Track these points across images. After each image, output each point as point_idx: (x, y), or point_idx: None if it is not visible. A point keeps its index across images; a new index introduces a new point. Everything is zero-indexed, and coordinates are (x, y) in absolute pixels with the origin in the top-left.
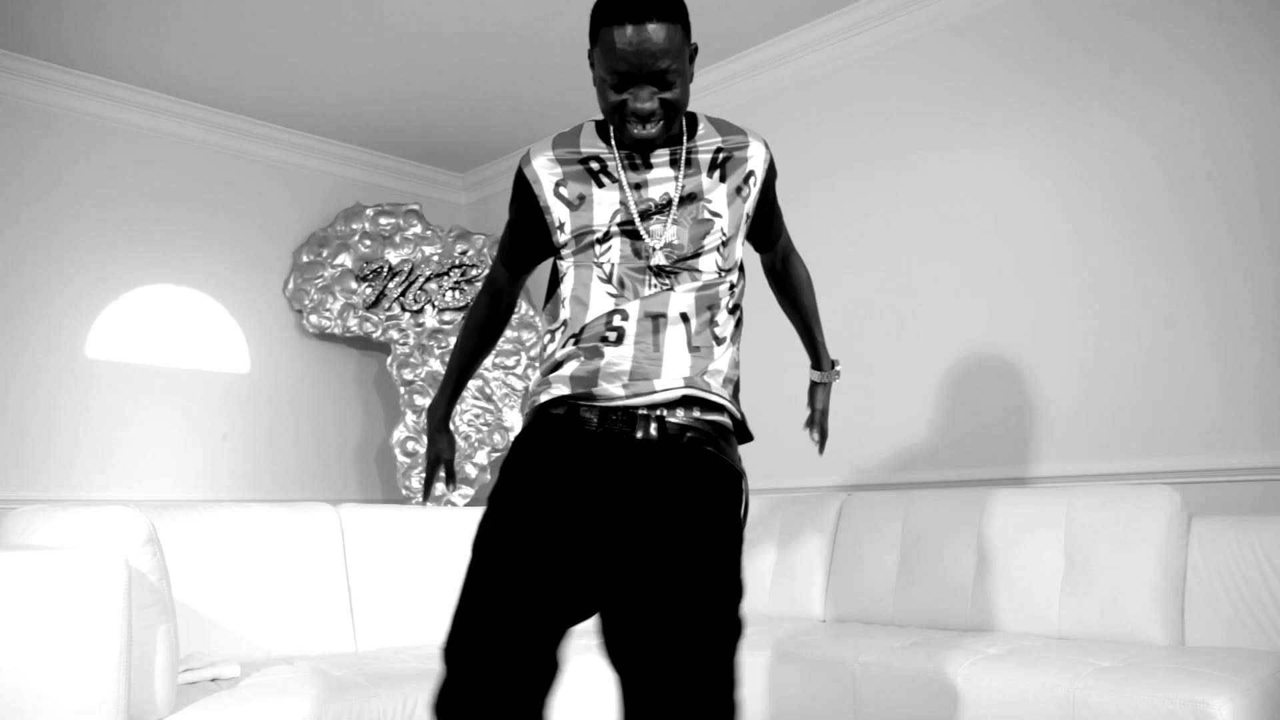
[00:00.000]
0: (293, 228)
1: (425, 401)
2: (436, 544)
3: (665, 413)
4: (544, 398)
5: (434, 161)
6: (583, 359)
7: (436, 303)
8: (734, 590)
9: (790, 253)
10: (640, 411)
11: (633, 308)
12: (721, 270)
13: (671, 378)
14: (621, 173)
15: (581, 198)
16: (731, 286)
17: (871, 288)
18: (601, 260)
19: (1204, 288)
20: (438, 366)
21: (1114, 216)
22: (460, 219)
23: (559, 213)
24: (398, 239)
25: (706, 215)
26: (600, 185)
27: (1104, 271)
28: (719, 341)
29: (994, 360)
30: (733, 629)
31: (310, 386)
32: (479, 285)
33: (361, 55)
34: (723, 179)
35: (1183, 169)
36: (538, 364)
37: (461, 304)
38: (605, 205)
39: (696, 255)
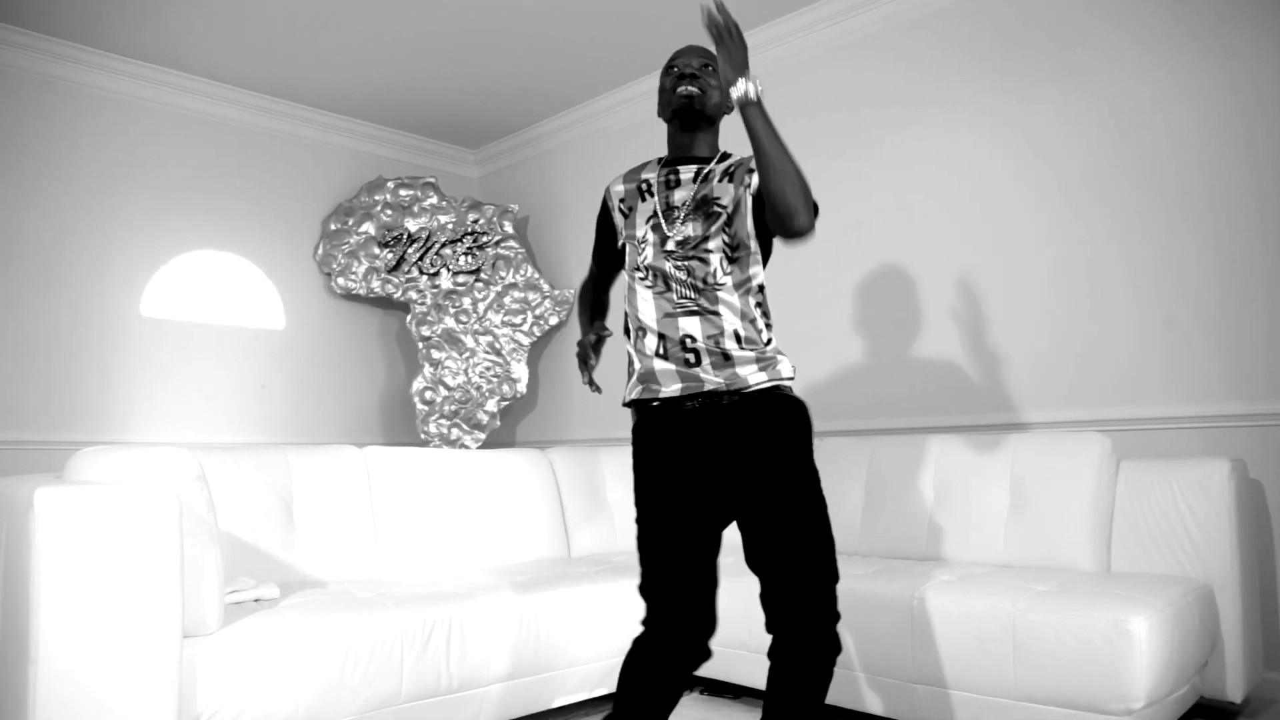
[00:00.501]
0: (321, 199)
1: (441, 355)
2: (453, 482)
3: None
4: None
5: (449, 138)
6: (639, 366)
7: (451, 266)
8: (815, 484)
9: None
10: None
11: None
12: (726, 250)
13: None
14: (659, 188)
15: (631, 209)
16: (734, 261)
17: (842, 255)
18: (640, 261)
19: (1139, 259)
20: (452, 324)
21: (1065, 190)
22: (472, 191)
23: (618, 219)
24: (416, 209)
25: (715, 209)
26: (643, 200)
27: (1054, 244)
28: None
29: (951, 322)
30: (821, 510)
31: (338, 342)
32: (489, 250)
33: (384, 41)
34: (730, 180)
35: (1130, 147)
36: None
37: (473, 267)
38: (644, 212)
39: (704, 241)
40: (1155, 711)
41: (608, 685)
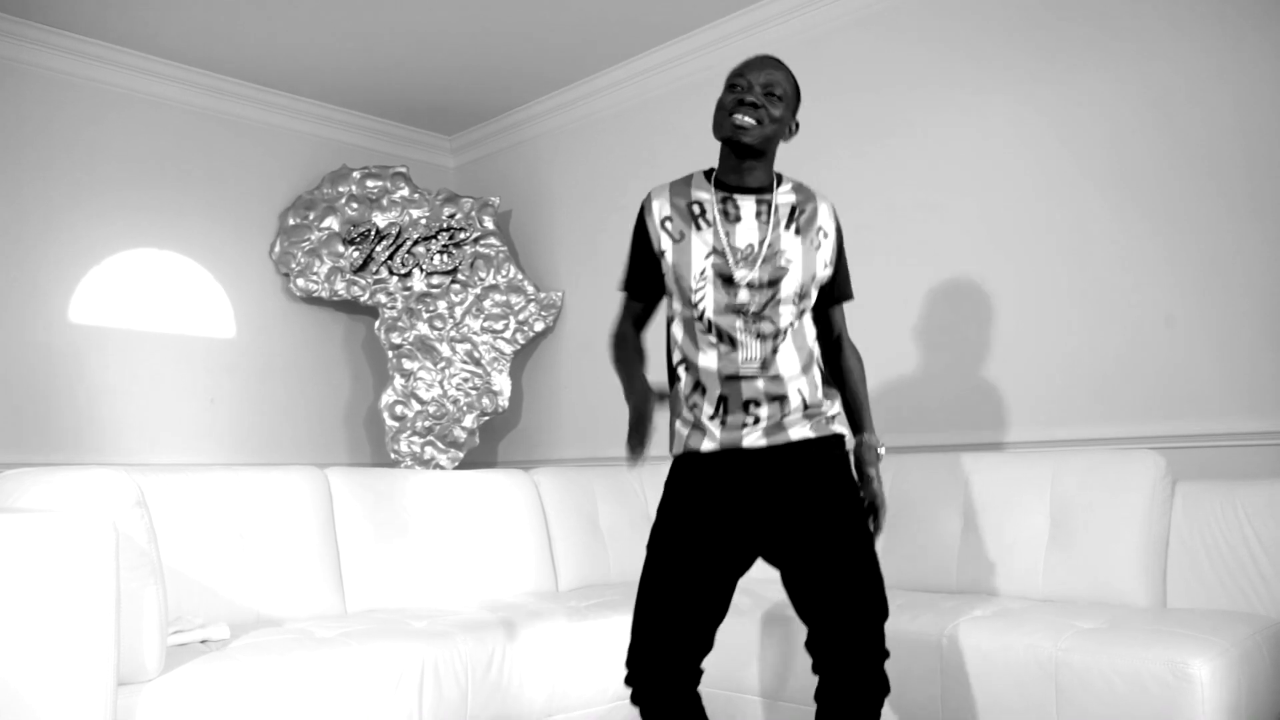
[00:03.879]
0: (278, 191)
1: (413, 365)
2: (426, 507)
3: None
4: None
5: (421, 124)
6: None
7: (424, 266)
8: (864, 524)
9: (844, 334)
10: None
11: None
12: (797, 315)
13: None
14: (717, 218)
15: (682, 234)
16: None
17: (862, 252)
18: (701, 310)
19: (1191, 255)
20: (426, 330)
21: (1100, 185)
22: (448, 182)
23: (663, 242)
24: (385, 202)
25: (783, 263)
26: (698, 229)
27: (1092, 240)
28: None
29: (981, 327)
30: (869, 551)
31: (298, 350)
32: (467, 249)
33: (348, 14)
34: (798, 232)
35: (1169, 136)
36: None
37: (449, 267)
38: (700, 247)
39: (776, 301)
40: None
41: None
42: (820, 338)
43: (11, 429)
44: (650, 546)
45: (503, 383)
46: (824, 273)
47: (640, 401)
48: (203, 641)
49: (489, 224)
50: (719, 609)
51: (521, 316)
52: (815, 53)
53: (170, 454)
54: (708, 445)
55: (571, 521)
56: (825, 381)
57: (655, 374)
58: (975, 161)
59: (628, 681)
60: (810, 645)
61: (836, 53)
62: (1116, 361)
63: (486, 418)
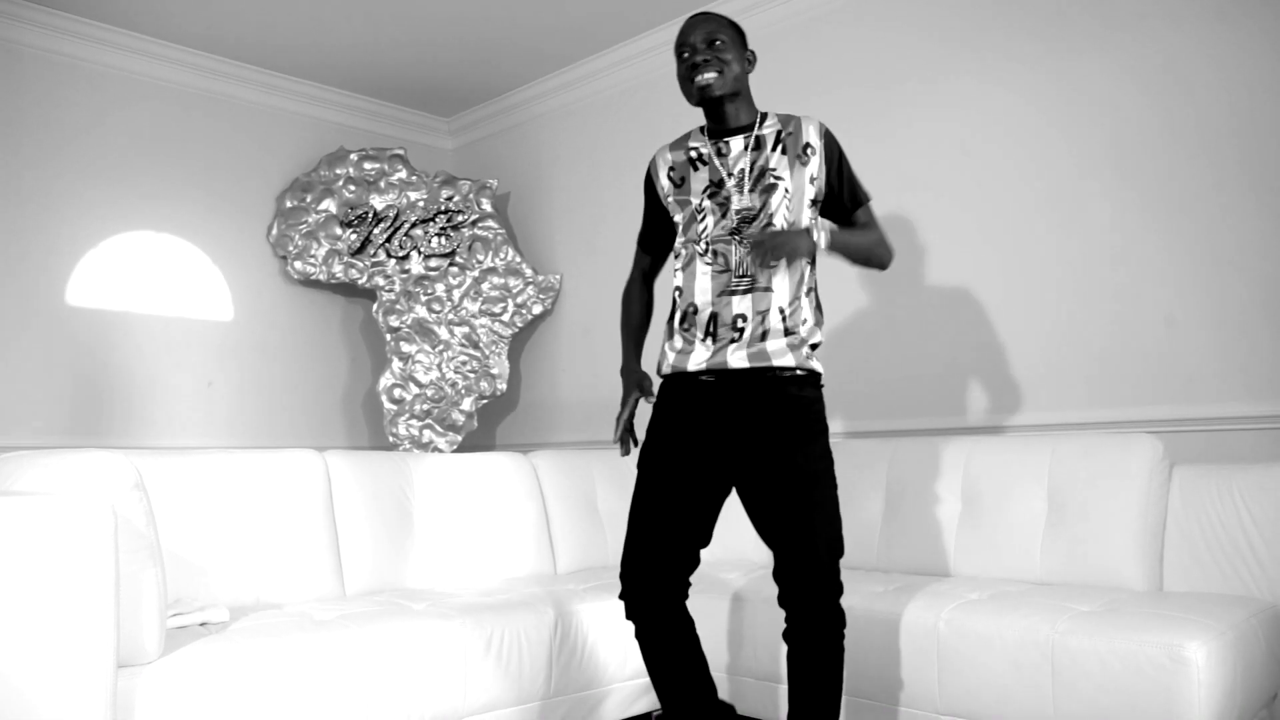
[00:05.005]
0: (275, 173)
1: (411, 348)
2: (424, 490)
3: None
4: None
5: (419, 105)
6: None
7: (422, 249)
8: (829, 466)
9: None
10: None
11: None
12: (789, 228)
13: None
14: (711, 156)
15: (684, 178)
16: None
17: None
18: (700, 232)
19: (1188, 243)
20: (424, 313)
21: (1098, 173)
22: (446, 164)
23: (668, 188)
24: (382, 184)
25: (772, 180)
26: (696, 169)
27: (1090, 228)
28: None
29: (979, 313)
30: (832, 490)
31: (295, 333)
32: (465, 231)
33: None
34: (784, 152)
35: (1167, 125)
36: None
37: (448, 250)
38: (699, 181)
39: (769, 217)
40: None
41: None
42: None
43: (8, 412)
44: (640, 466)
45: (501, 366)
46: (813, 186)
47: (630, 387)
48: (202, 624)
49: (487, 206)
50: (703, 528)
51: (520, 299)
52: (813, 37)
53: (168, 437)
54: (694, 364)
55: (570, 504)
56: (817, 309)
57: (658, 329)
58: (975, 147)
59: (621, 595)
60: (776, 575)
61: (834, 36)
62: (1114, 347)
63: (485, 401)
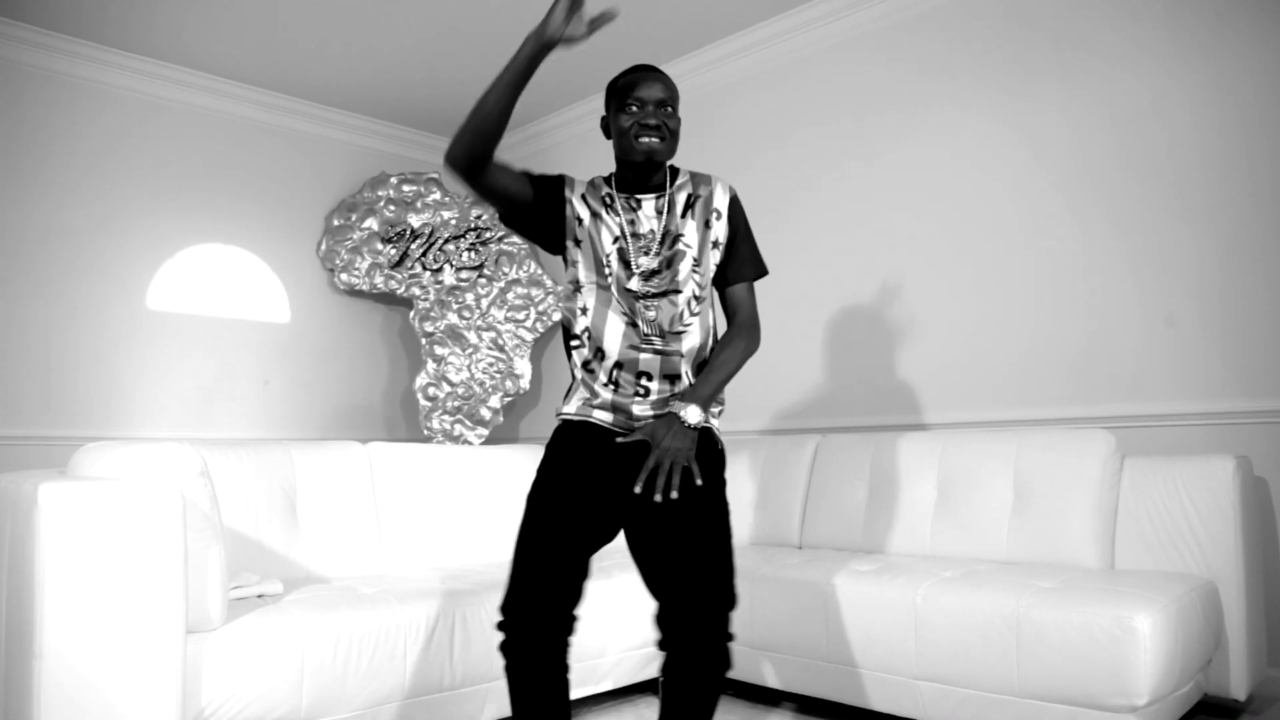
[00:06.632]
0: (324, 194)
1: (444, 351)
2: (455, 478)
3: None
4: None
5: (452, 133)
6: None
7: (454, 262)
8: (726, 515)
9: (743, 315)
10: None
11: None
12: (695, 295)
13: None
14: (621, 211)
15: (595, 214)
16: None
17: (844, 251)
18: (608, 282)
19: (1142, 257)
20: (455, 319)
21: (1064, 190)
22: None
23: (582, 210)
24: (419, 204)
25: (681, 248)
26: (609, 212)
27: (1055, 241)
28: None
29: (954, 318)
30: (729, 539)
31: (342, 337)
32: (493, 247)
33: (386, 34)
34: (693, 217)
35: (1129, 145)
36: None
37: (477, 264)
38: (608, 231)
39: (674, 281)
40: (1159, 709)
41: (615, 679)
42: (727, 318)
43: (92, 406)
44: (530, 501)
45: (524, 367)
46: (717, 252)
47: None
48: (259, 596)
49: None
50: (587, 566)
51: (541, 307)
52: (806, 74)
53: (230, 429)
54: (598, 414)
55: None
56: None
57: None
58: (951, 167)
59: (500, 627)
60: (660, 620)
61: (822, 74)
62: (1075, 351)
63: (510, 398)
